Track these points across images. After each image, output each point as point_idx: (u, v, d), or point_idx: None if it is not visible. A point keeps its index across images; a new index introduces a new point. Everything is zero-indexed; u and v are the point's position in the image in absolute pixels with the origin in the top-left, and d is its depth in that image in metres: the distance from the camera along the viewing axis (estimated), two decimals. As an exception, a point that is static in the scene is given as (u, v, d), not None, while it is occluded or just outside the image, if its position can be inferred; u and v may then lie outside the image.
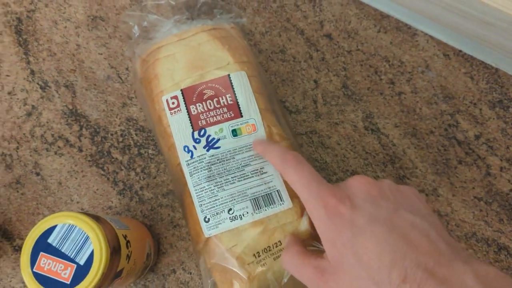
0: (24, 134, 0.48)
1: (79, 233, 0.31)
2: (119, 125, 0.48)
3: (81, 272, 0.31)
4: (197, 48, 0.38)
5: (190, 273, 0.44)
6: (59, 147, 0.48)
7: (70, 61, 0.50)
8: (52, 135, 0.48)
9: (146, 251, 0.40)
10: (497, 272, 0.24)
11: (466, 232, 0.42)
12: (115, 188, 0.46)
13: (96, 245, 0.31)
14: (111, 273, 0.32)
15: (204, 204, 0.35)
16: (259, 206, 0.35)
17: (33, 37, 0.51)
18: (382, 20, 0.48)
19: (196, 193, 0.35)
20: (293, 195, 0.35)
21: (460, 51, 0.46)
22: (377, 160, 0.44)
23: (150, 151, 0.47)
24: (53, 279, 0.31)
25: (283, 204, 0.35)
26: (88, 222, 0.31)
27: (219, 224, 0.35)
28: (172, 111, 0.37)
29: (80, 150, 0.47)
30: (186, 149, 0.36)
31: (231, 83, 0.37)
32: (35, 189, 0.47)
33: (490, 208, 0.42)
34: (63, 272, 0.31)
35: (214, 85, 0.37)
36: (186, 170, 0.36)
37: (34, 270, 0.31)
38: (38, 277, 0.31)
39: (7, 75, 0.50)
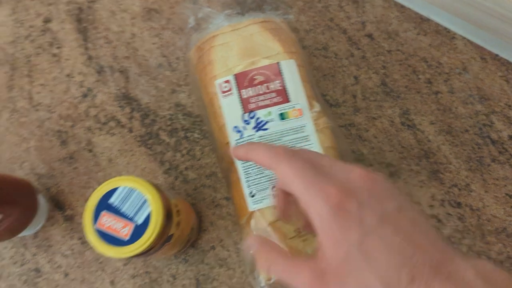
0: (79, 113, 0.52)
1: (138, 196, 0.34)
2: (168, 110, 0.51)
3: (139, 231, 0.33)
4: (249, 38, 0.42)
5: (228, 250, 0.46)
6: (111, 127, 0.51)
7: (125, 49, 0.54)
8: (105, 116, 0.52)
9: (191, 225, 0.43)
10: (493, 267, 0.24)
11: (496, 227, 0.44)
12: (161, 168, 0.49)
13: (153, 207, 0.34)
14: (164, 235, 0.35)
15: (250, 180, 0.38)
16: (302, 185, 0.37)
17: (92, 25, 0.55)
18: (422, 23, 0.50)
19: (243, 170, 0.38)
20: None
21: (497, 55, 0.48)
22: (412, 154, 0.46)
23: (195, 135, 0.50)
24: (113, 235, 0.34)
25: (325, 184, 0.37)
26: (147, 186, 0.34)
27: (263, 199, 0.37)
28: (224, 94, 0.40)
29: (131, 131, 0.51)
30: (236, 129, 0.39)
31: (281, 70, 0.39)
32: (87, 165, 0.50)
33: (521, 205, 0.44)
34: (122, 229, 0.34)
35: (264, 71, 0.40)
36: (235, 149, 0.39)
37: (96, 226, 0.34)
38: (100, 233, 0.34)
39: (67, 59, 0.54)
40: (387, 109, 0.48)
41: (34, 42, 0.55)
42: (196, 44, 0.44)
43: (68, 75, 0.54)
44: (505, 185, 0.45)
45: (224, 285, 0.45)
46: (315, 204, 0.26)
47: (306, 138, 0.38)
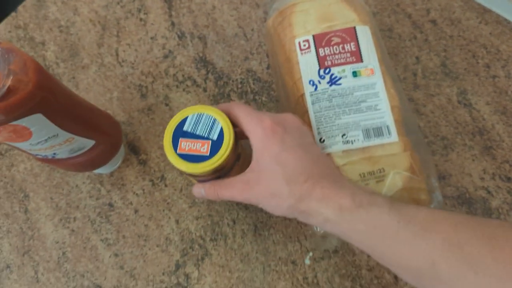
0: (159, 71, 0.58)
1: (207, 118, 0.39)
2: (239, 74, 0.56)
3: (216, 145, 0.38)
4: (328, 6, 0.46)
5: (286, 202, 0.50)
6: (187, 85, 0.57)
7: (205, 19, 0.60)
8: (183, 75, 0.57)
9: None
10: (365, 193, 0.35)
11: (544, 202, 0.46)
12: (230, 124, 0.54)
13: (223, 123, 0.39)
14: (236, 150, 0.40)
15: (321, 128, 0.42)
16: (369, 136, 0.41)
17: (177, -4, 0.61)
18: (484, 13, 0.54)
19: (315, 119, 0.42)
20: (400, 133, 0.41)
21: (555, 47, 0.51)
22: (467, 130, 0.50)
23: (263, 98, 0.55)
24: (194, 155, 0.38)
25: (390, 137, 0.41)
26: (212, 109, 0.39)
27: (333, 145, 0.41)
28: (303, 51, 0.44)
29: (205, 90, 0.56)
30: (312, 82, 0.43)
31: (356, 34, 0.44)
32: (162, 117, 0.56)
33: None
34: (202, 147, 0.38)
35: (341, 34, 0.44)
36: (309, 100, 0.43)
37: (178, 152, 0.39)
38: (182, 157, 0.38)
39: (152, 24, 0.60)
40: (445, 88, 0.52)
41: (125, 7, 0.62)
42: (277, 9, 0.48)
43: (152, 38, 0.60)
44: (556, 165, 0.47)
45: (280, 233, 0.49)
46: (254, 130, 0.37)
47: (376, 95, 0.42)
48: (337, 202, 0.34)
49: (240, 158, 0.42)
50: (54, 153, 0.43)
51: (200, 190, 0.42)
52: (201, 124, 0.39)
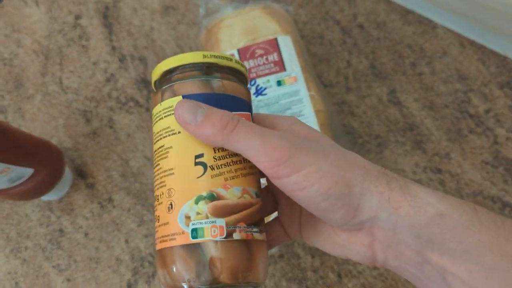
0: (102, 95, 0.59)
1: None
2: (180, 91, 0.57)
3: None
4: (251, 20, 0.48)
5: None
6: (130, 106, 0.58)
7: (145, 40, 0.61)
8: (125, 97, 0.58)
9: None
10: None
11: (474, 190, 0.48)
12: (173, 140, 0.55)
13: None
14: None
15: (250, 137, 0.43)
16: (295, 140, 0.43)
17: (116, 21, 0.63)
18: (406, 14, 0.56)
19: (244, 128, 0.44)
20: (325, 131, 0.43)
21: (474, 41, 0.54)
22: (398, 127, 0.52)
23: (204, 113, 0.56)
24: None
25: (315, 140, 0.43)
26: None
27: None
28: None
29: (147, 110, 0.57)
30: (239, 94, 0.45)
31: (278, 44, 0.46)
32: (108, 139, 0.57)
33: (496, 171, 0.49)
34: None
35: (264, 45, 0.46)
36: (237, 111, 0.44)
37: None
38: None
39: (94, 49, 0.62)
40: (376, 88, 0.54)
41: (66, 35, 0.63)
42: (207, 26, 0.50)
43: (94, 63, 0.61)
44: (481, 153, 0.49)
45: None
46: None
47: (300, 101, 0.44)
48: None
49: None
50: (-8, 184, 0.44)
51: (193, 113, 0.25)
52: None
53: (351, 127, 0.52)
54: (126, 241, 0.52)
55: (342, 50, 0.56)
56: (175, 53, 0.60)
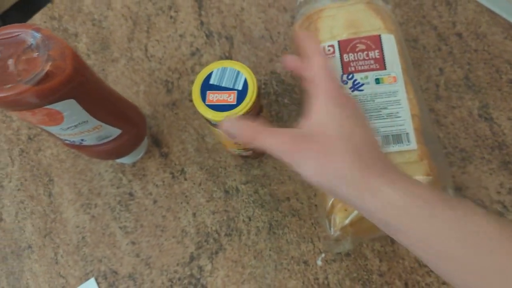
0: (186, 68, 0.59)
1: (231, 71, 0.42)
2: (263, 75, 0.57)
3: (241, 94, 0.41)
4: (354, 13, 0.47)
5: (302, 203, 0.51)
6: (212, 83, 0.58)
7: (233, 20, 0.61)
8: (208, 73, 0.59)
9: None
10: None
11: (561, 220, 0.46)
12: (252, 123, 0.55)
13: (247, 75, 0.42)
14: (259, 100, 0.43)
15: (341, 131, 0.43)
16: (388, 142, 0.42)
17: (207, -4, 0.63)
18: (510, 29, 0.54)
19: (336, 122, 0.43)
20: (419, 141, 0.42)
21: None
22: (486, 144, 0.50)
23: (285, 100, 0.56)
24: (222, 105, 0.41)
25: (409, 145, 0.42)
26: (236, 63, 0.43)
27: (351, 149, 0.42)
28: (328, 56, 0.45)
29: (229, 89, 0.57)
30: (335, 87, 0.44)
31: (381, 41, 0.45)
32: (186, 112, 0.57)
33: None
34: (228, 97, 0.41)
35: (366, 41, 0.45)
36: (331, 103, 0.44)
37: (206, 103, 0.42)
38: (211, 107, 0.41)
39: (181, 22, 0.62)
40: (467, 100, 0.52)
41: (156, 4, 0.64)
42: (304, 14, 0.50)
43: (181, 35, 0.61)
44: None
45: (294, 233, 0.50)
46: (326, 82, 0.37)
47: (398, 102, 0.43)
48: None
49: (263, 110, 0.46)
50: (82, 139, 0.45)
51: (231, 125, 0.37)
52: (226, 77, 0.42)
53: (436, 135, 0.51)
54: (194, 215, 0.52)
55: (435, 57, 0.54)
56: (262, 36, 0.59)
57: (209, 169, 0.54)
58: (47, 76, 0.34)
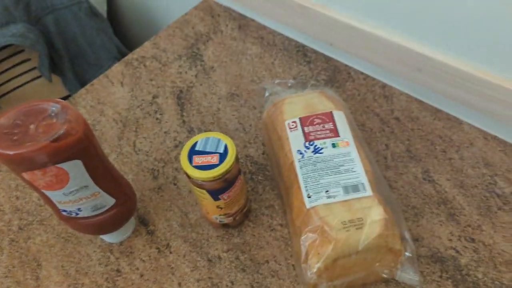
0: (170, 158, 0.68)
1: (214, 139, 0.51)
2: (240, 158, 0.66)
3: (223, 156, 0.49)
4: (310, 99, 0.59)
5: (280, 264, 0.56)
6: (193, 168, 0.66)
7: (211, 117, 0.72)
8: (190, 161, 0.67)
9: (246, 196, 0.57)
10: None
11: (506, 259, 0.53)
12: (230, 198, 0.62)
13: (227, 141, 0.50)
14: (238, 164, 0.51)
15: (308, 186, 0.51)
16: (348, 192, 0.50)
17: (188, 101, 0.75)
18: (436, 112, 0.67)
19: (303, 179, 0.51)
20: (373, 189, 0.50)
21: (496, 136, 0.63)
22: (433, 201, 0.58)
23: (259, 177, 0.64)
24: (206, 165, 0.49)
25: (365, 192, 0.49)
26: (218, 134, 0.51)
27: (318, 199, 0.49)
28: (291, 129, 0.55)
29: (209, 172, 0.65)
30: (299, 152, 0.53)
31: (333, 116, 0.56)
32: (171, 194, 0.64)
33: (526, 243, 0.53)
34: (212, 159, 0.49)
35: (321, 116, 0.56)
36: (297, 165, 0.52)
37: (193, 165, 0.49)
38: (197, 167, 0.49)
39: (166, 122, 0.72)
40: (412, 168, 0.62)
41: (143, 110, 0.75)
42: (272, 102, 0.61)
43: (165, 132, 0.71)
44: (511, 228, 0.55)
45: (275, 292, 0.54)
46: None
47: (352, 160, 0.52)
48: None
49: (241, 173, 0.53)
50: (79, 209, 0.51)
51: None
52: (209, 144, 0.51)
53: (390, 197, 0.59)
54: (179, 284, 0.55)
55: (381, 136, 0.65)
56: (237, 129, 0.70)
57: (192, 242, 0.59)
58: (64, 135, 0.42)
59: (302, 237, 0.49)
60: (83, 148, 0.44)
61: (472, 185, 0.59)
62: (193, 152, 0.50)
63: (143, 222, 0.62)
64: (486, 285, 0.51)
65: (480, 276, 0.52)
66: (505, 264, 0.52)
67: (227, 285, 0.55)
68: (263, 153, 0.67)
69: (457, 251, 0.54)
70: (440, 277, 0.52)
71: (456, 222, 0.56)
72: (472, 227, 0.55)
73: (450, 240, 0.55)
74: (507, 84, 0.56)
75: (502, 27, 0.53)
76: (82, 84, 1.15)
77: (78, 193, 0.48)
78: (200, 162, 0.49)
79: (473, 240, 0.54)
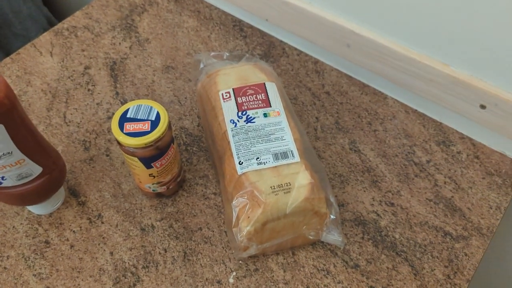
0: (102, 129, 0.66)
1: (145, 107, 0.51)
2: (174, 130, 0.66)
3: (154, 123, 0.49)
4: (244, 71, 0.60)
5: (213, 231, 0.57)
6: (127, 139, 0.65)
7: (145, 89, 0.71)
8: (123, 132, 0.66)
9: (179, 165, 0.57)
10: None
11: (421, 220, 0.57)
12: (164, 169, 0.62)
13: (159, 109, 0.51)
14: (171, 133, 0.51)
15: (240, 153, 0.52)
16: (277, 158, 0.51)
17: (122, 73, 0.73)
18: (364, 87, 0.71)
19: (235, 147, 0.53)
20: (301, 157, 0.52)
21: (416, 110, 0.68)
22: (358, 169, 0.62)
23: (194, 148, 0.64)
24: (138, 132, 0.49)
25: (294, 159, 0.52)
26: (150, 101, 0.51)
27: (249, 166, 0.51)
28: (225, 100, 0.56)
29: (142, 143, 0.65)
30: (232, 121, 0.54)
31: (265, 87, 0.57)
32: (103, 165, 0.63)
33: (437, 206, 0.58)
34: (143, 126, 0.49)
35: (254, 87, 0.57)
36: (230, 134, 0.54)
37: (124, 132, 0.49)
38: (129, 134, 0.49)
39: (98, 93, 0.71)
40: (339, 139, 0.65)
41: (74, 81, 0.72)
42: (206, 73, 0.61)
43: (98, 104, 0.69)
44: (425, 192, 0.60)
45: (207, 257, 0.55)
46: None
47: (282, 129, 0.54)
48: None
49: (174, 141, 0.53)
50: (2, 177, 0.49)
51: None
52: (140, 111, 0.51)
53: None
54: (111, 253, 0.55)
55: (312, 109, 0.68)
56: (172, 101, 0.70)
57: (125, 212, 0.59)
58: (-17, 97, 0.40)
59: (233, 202, 0.51)
60: (5, 112, 0.43)
61: (393, 154, 0.64)
62: (124, 119, 0.50)
63: (74, 193, 0.60)
64: (402, 244, 0.56)
65: (397, 236, 0.56)
66: (419, 225, 0.57)
67: (160, 253, 0.55)
68: (198, 125, 0.67)
69: (378, 215, 0.58)
70: (362, 238, 0.56)
71: (378, 188, 0.60)
72: (392, 193, 0.60)
73: (372, 204, 0.59)
74: (426, 60, 0.61)
75: (423, 7, 0.57)
76: (7, 55, 1.08)
77: (1, 160, 0.46)
78: (131, 129, 0.49)
79: (392, 204, 0.59)
